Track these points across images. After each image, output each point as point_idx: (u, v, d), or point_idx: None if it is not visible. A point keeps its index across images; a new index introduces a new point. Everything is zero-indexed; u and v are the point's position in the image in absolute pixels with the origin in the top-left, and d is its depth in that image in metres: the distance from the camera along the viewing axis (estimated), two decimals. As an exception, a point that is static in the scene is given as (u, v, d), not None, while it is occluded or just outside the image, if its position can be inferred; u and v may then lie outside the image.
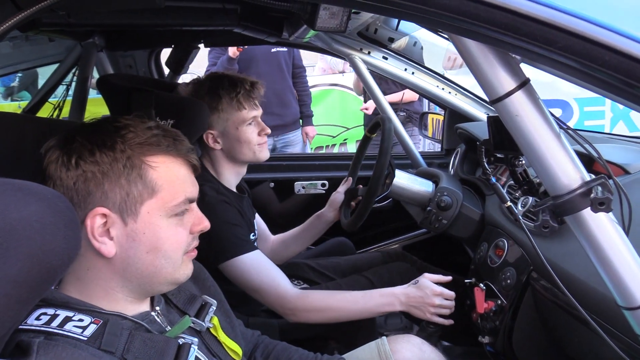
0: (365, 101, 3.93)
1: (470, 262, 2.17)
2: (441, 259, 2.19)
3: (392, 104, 3.80)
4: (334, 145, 6.21)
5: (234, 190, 1.71)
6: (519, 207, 1.54)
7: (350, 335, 1.75)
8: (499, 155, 0.86)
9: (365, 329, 1.76)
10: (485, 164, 0.92)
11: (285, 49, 3.48)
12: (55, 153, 0.87)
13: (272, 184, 2.38)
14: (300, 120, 3.82)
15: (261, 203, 2.31)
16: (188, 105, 1.52)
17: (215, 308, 1.07)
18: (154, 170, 0.86)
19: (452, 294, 1.51)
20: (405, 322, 2.22)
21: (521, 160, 0.82)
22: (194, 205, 0.94)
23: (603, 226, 0.71)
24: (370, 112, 3.84)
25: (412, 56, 2.13)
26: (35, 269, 0.71)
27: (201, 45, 2.12)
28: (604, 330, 1.10)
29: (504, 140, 0.82)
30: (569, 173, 0.70)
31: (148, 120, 0.92)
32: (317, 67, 6.31)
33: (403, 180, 1.83)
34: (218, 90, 1.55)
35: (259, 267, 1.53)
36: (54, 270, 0.74)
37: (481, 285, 1.52)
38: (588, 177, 0.71)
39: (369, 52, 2.11)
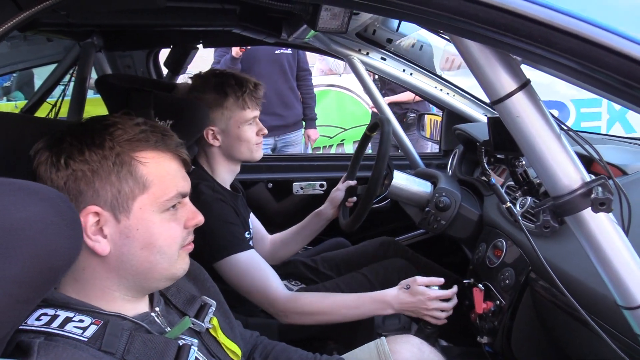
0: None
1: (467, 263, 2.18)
2: (438, 259, 2.19)
3: (403, 103, 3.82)
4: (331, 145, 6.21)
5: (229, 188, 1.71)
6: (518, 208, 1.55)
7: (348, 335, 1.75)
8: (499, 156, 0.87)
9: (364, 329, 1.77)
10: (485, 164, 0.93)
11: (290, 52, 3.49)
12: (44, 154, 0.86)
13: (270, 185, 2.38)
14: (303, 122, 3.82)
15: (258, 203, 2.31)
16: (187, 106, 1.52)
17: (214, 309, 1.07)
18: (143, 165, 0.86)
19: (448, 293, 1.49)
20: (404, 322, 2.22)
21: (521, 161, 0.83)
22: (187, 199, 0.94)
23: (603, 226, 0.71)
24: None
25: (421, 59, 2.13)
26: (38, 269, 0.71)
27: (200, 46, 2.12)
28: (603, 331, 1.10)
29: (504, 141, 0.83)
30: (569, 174, 0.71)
31: (136, 117, 0.92)
32: (315, 68, 6.32)
33: (401, 181, 1.83)
34: (225, 88, 1.56)
35: (253, 266, 1.53)
36: (56, 271, 0.74)
37: (480, 285, 1.52)
38: (588, 177, 0.71)
39: (367, 53, 2.11)
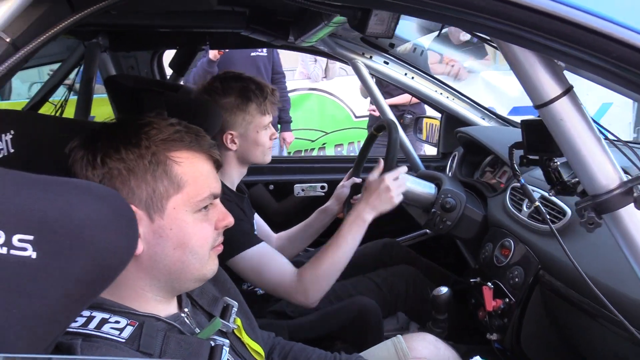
0: (372, 102, 4.02)
1: (462, 263, 2.25)
2: (435, 260, 2.24)
3: (400, 106, 3.90)
4: (312, 149, 6.21)
5: (235, 190, 1.72)
6: (524, 209, 1.61)
7: (357, 335, 1.78)
8: (531, 157, 0.91)
9: (372, 328, 1.80)
10: (515, 166, 0.97)
11: (265, 54, 3.47)
12: (79, 152, 0.87)
13: (271, 187, 2.39)
14: (279, 125, 3.84)
15: (258, 204, 2.31)
16: (200, 107, 1.52)
17: (236, 309, 1.08)
18: (178, 165, 0.87)
19: (398, 170, 1.60)
20: (402, 322, 2.25)
21: (555, 162, 0.87)
22: (218, 201, 0.94)
23: (639, 223, 0.76)
24: (377, 113, 3.93)
25: (416, 62, 2.18)
26: (97, 268, 0.71)
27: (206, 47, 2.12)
28: (616, 324, 1.16)
29: (538, 143, 0.87)
30: (608, 173, 0.75)
31: (170, 118, 0.93)
32: (297, 72, 6.33)
33: (408, 182, 1.87)
34: (249, 94, 1.57)
35: (267, 258, 1.53)
36: (113, 270, 0.74)
37: (489, 284, 1.57)
38: (625, 177, 0.76)
39: (370, 57, 2.15)
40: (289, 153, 5.03)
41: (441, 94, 2.22)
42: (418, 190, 1.88)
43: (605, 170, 0.75)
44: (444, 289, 1.66)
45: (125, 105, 1.61)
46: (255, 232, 1.80)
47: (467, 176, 2.12)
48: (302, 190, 2.38)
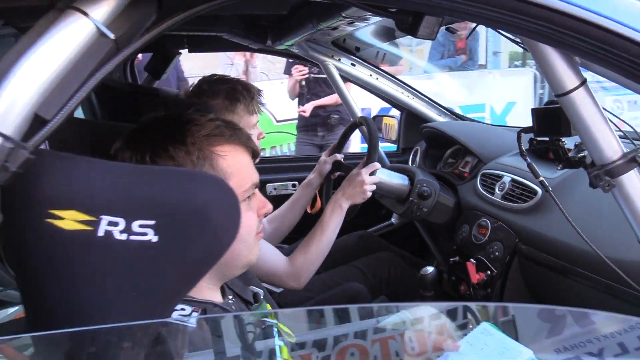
0: (302, 104, 4.11)
1: (424, 248, 2.45)
2: (402, 247, 2.42)
3: (327, 106, 4.05)
4: (234, 154, 6.16)
5: None
6: (497, 191, 1.83)
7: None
8: (539, 139, 1.08)
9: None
10: (523, 149, 1.14)
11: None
12: (126, 153, 0.91)
13: None
14: None
15: None
16: (194, 108, 1.55)
17: (262, 296, 1.16)
18: (223, 159, 0.92)
19: (374, 165, 1.75)
20: (374, 310, 2.39)
21: (563, 141, 1.05)
22: (257, 190, 1.01)
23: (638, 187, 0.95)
24: (307, 114, 4.04)
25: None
26: (209, 249, 0.78)
27: (184, 51, 2.12)
28: (587, 278, 1.37)
29: (549, 126, 1.04)
30: (613, 147, 0.94)
31: (207, 113, 0.99)
32: (220, 78, 6.28)
33: (383, 175, 2.02)
34: (237, 95, 1.62)
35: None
36: (222, 251, 0.80)
37: (472, 260, 1.76)
38: (625, 149, 0.95)
39: (339, 59, 2.28)
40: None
41: (402, 93, 2.41)
42: (393, 183, 2.05)
43: (611, 145, 0.94)
44: (430, 269, 1.82)
45: (117, 109, 1.60)
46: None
47: (431, 168, 2.31)
48: (275, 189, 2.46)
